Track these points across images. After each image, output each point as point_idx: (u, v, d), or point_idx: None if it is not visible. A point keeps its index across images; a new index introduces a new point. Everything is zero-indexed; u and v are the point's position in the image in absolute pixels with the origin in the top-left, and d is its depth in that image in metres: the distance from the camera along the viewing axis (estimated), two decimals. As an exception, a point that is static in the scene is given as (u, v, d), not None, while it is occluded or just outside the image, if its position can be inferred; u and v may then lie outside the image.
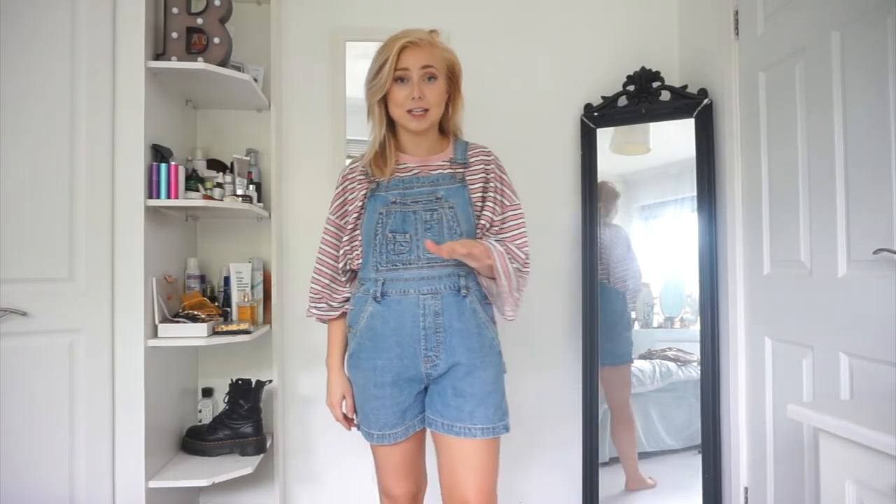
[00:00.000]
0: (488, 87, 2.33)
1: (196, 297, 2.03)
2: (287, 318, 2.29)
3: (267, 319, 2.21)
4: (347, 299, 1.51)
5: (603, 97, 2.33)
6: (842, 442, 1.01)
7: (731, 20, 2.02)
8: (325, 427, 2.31)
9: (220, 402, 2.18)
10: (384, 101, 1.42)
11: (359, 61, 2.35)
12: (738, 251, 2.00)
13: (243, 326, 1.95)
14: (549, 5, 2.43)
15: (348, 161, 1.50)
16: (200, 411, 2.21)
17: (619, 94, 2.30)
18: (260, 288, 2.19)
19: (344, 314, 1.52)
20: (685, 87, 2.20)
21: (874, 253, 1.39)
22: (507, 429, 1.40)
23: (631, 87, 2.27)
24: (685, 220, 2.20)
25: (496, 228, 1.47)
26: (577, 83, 2.41)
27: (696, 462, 2.11)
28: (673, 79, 2.34)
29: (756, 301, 1.93)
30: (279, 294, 2.20)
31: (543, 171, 2.38)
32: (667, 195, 2.27)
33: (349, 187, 1.49)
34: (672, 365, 2.26)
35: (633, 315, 2.30)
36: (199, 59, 1.86)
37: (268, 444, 2.11)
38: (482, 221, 1.45)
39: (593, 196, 2.30)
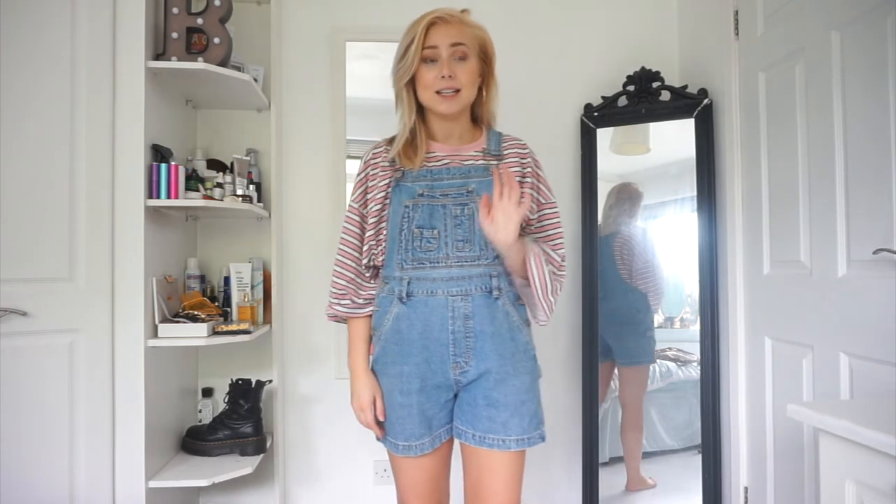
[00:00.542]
0: (488, 87, 2.33)
1: (196, 297, 2.03)
2: (287, 318, 2.29)
3: (267, 319, 2.21)
4: (373, 297, 1.38)
5: (603, 97, 2.33)
6: (842, 442, 1.01)
7: (731, 20, 2.02)
8: (325, 427, 2.32)
9: (220, 402, 2.18)
10: (412, 85, 1.31)
11: (359, 61, 2.35)
12: (738, 251, 2.00)
13: (243, 326, 1.95)
14: (548, 5, 2.43)
15: (372, 146, 1.40)
16: (200, 411, 2.21)
17: (619, 94, 2.30)
18: (260, 288, 2.19)
19: (370, 314, 1.39)
20: (685, 87, 2.20)
21: (874, 253, 1.39)
22: (542, 438, 1.30)
23: (631, 87, 2.27)
24: (685, 220, 2.20)
25: (532, 228, 1.37)
26: (577, 83, 2.41)
27: (696, 462, 2.11)
28: (673, 79, 2.34)
29: (756, 301, 1.93)
30: (279, 294, 2.20)
31: (543, 170, 2.37)
32: (667, 195, 2.27)
33: (371, 174, 1.36)
34: (672, 365, 2.27)
35: (656, 315, 2.28)
36: (200, 59, 1.86)
37: (268, 444, 2.11)
38: None
39: (593, 196, 2.30)
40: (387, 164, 1.34)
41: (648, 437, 2.26)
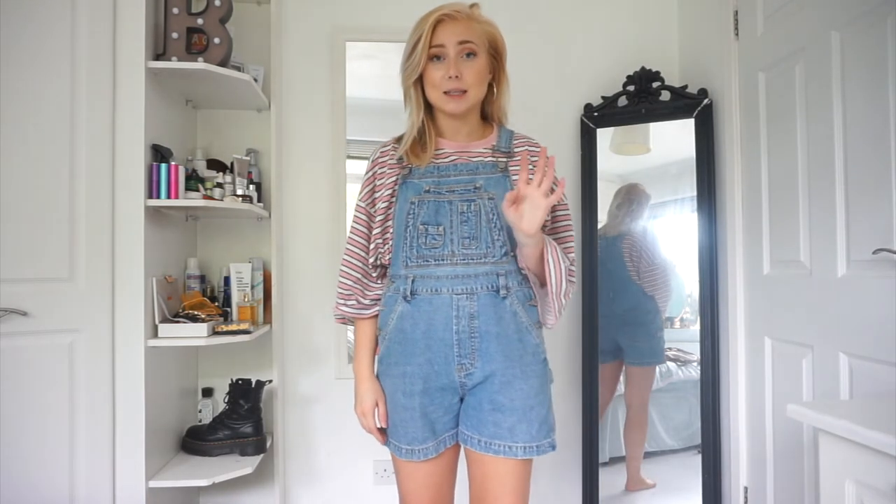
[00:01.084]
0: (488, 87, 2.33)
1: (196, 297, 2.03)
2: (287, 318, 2.29)
3: (267, 319, 2.21)
4: (380, 298, 1.36)
5: (603, 97, 2.33)
6: (841, 442, 1.01)
7: (731, 20, 2.02)
8: (325, 427, 2.32)
9: (220, 402, 2.18)
10: (421, 83, 1.29)
11: (359, 61, 2.35)
12: (738, 251, 2.00)
13: (243, 326, 1.95)
14: (549, 5, 2.43)
15: (379, 145, 1.40)
16: (200, 411, 2.21)
17: (619, 94, 2.30)
18: (260, 288, 2.19)
19: (376, 315, 1.37)
20: (685, 87, 2.20)
21: (874, 253, 1.39)
22: (552, 446, 1.26)
23: (631, 87, 2.27)
24: (685, 220, 2.20)
25: (545, 229, 1.30)
26: (577, 83, 2.41)
27: (696, 462, 2.11)
28: (673, 79, 2.34)
29: (756, 301, 1.93)
30: (279, 294, 2.20)
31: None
32: (666, 195, 2.27)
33: (379, 172, 1.34)
34: (672, 365, 2.27)
35: (665, 316, 2.28)
36: (200, 59, 1.86)
37: (268, 444, 2.11)
38: None
39: (593, 196, 2.30)
40: (394, 162, 1.33)
41: (648, 437, 2.26)
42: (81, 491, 1.70)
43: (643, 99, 2.25)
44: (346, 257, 1.38)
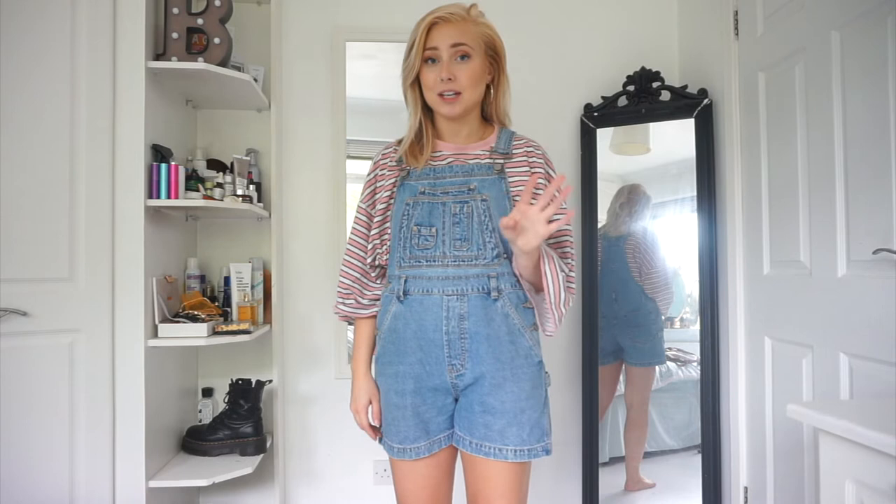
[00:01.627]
0: (488, 87, 2.33)
1: (196, 297, 2.03)
2: (287, 318, 2.29)
3: (267, 319, 2.21)
4: (379, 297, 1.38)
5: (603, 97, 2.33)
6: (842, 442, 1.01)
7: (731, 20, 2.02)
8: (325, 427, 2.32)
9: (220, 402, 2.18)
10: (418, 85, 1.30)
11: (359, 61, 2.35)
12: (738, 251, 2.00)
13: (243, 326, 1.95)
14: (548, 5, 2.43)
15: (382, 147, 1.41)
16: (200, 411, 2.21)
17: (619, 94, 2.30)
18: (260, 288, 2.19)
19: (374, 314, 1.39)
20: (685, 87, 2.20)
21: (874, 253, 1.39)
22: (546, 451, 1.25)
23: (631, 87, 2.27)
24: (685, 220, 2.20)
25: None
26: (576, 83, 2.41)
27: (696, 462, 2.11)
28: (673, 79, 2.34)
29: (756, 301, 1.93)
30: (279, 294, 2.20)
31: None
32: (666, 195, 2.27)
33: (380, 174, 1.36)
34: (672, 365, 2.27)
35: (665, 317, 2.28)
36: (200, 59, 1.86)
37: (268, 443, 2.11)
38: None
39: (593, 196, 2.30)
40: (394, 164, 1.34)
41: (649, 436, 2.26)
42: (81, 491, 1.70)
43: (643, 99, 2.25)
44: (346, 257, 1.40)
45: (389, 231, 1.34)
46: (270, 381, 2.14)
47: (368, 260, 1.37)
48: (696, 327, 2.12)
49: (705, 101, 2.13)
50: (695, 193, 2.14)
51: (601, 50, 2.42)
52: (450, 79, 1.23)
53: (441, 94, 1.25)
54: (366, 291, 1.39)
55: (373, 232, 1.36)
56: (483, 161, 1.30)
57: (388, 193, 1.33)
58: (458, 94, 1.25)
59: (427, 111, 1.33)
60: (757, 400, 1.91)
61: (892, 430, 0.91)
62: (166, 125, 1.98)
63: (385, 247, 1.35)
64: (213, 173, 2.09)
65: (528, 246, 1.12)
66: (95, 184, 1.73)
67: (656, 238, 2.28)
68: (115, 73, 1.76)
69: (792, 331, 1.74)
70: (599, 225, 2.30)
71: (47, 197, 1.67)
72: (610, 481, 2.25)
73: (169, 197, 1.82)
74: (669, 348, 2.27)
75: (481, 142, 1.34)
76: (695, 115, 2.14)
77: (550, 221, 1.10)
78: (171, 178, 1.83)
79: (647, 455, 2.26)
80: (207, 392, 2.24)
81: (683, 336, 2.27)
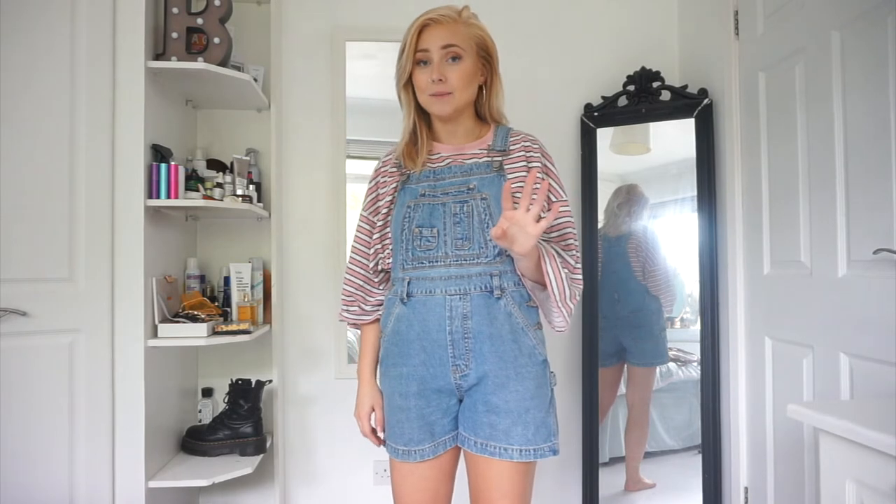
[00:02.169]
0: (488, 87, 2.33)
1: (196, 297, 2.03)
2: (287, 318, 2.29)
3: (267, 319, 2.21)
4: (382, 302, 1.39)
5: (603, 97, 2.33)
6: (842, 442, 1.01)
7: (731, 20, 2.02)
8: (325, 427, 2.32)
9: (220, 402, 2.18)
10: (412, 87, 1.30)
11: (359, 61, 2.35)
12: (738, 251, 2.00)
13: (243, 326, 1.95)
14: (548, 5, 2.43)
15: (383, 154, 1.42)
16: (200, 411, 2.21)
17: (619, 94, 2.30)
18: (260, 288, 2.19)
19: (378, 319, 1.40)
20: (685, 87, 2.20)
21: (874, 253, 1.39)
22: (554, 451, 1.25)
23: (631, 87, 2.27)
24: (685, 220, 2.20)
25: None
26: (577, 83, 2.41)
27: (696, 462, 2.11)
28: (673, 79, 2.34)
29: (756, 301, 1.93)
30: (279, 294, 2.20)
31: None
32: (667, 195, 2.27)
33: (381, 181, 1.37)
34: (672, 365, 2.27)
35: (667, 316, 2.28)
36: (199, 59, 1.86)
37: (268, 444, 2.11)
38: None
39: (593, 196, 2.30)
40: (394, 169, 1.35)
41: (649, 437, 2.25)
42: (81, 490, 1.70)
43: (643, 99, 2.25)
44: (349, 265, 1.41)
45: (390, 236, 1.34)
46: (270, 382, 2.14)
47: (371, 265, 1.38)
48: (697, 327, 2.12)
49: (705, 101, 2.13)
50: (695, 193, 2.14)
51: (601, 50, 2.42)
52: (440, 80, 1.24)
53: (432, 95, 1.26)
54: (369, 298, 1.40)
55: (375, 236, 1.36)
56: (481, 160, 1.30)
57: (390, 198, 1.34)
58: (449, 94, 1.26)
59: (421, 113, 1.33)
60: (757, 400, 1.91)
61: (892, 430, 0.91)
62: (166, 125, 1.98)
63: (387, 251, 1.35)
64: (212, 173, 2.09)
65: (522, 249, 1.12)
66: (95, 184, 1.73)
67: (655, 237, 2.28)
68: (115, 72, 1.76)
69: (792, 331, 1.74)
70: (599, 225, 2.30)
71: (47, 197, 1.67)
72: (610, 481, 2.25)
73: (169, 197, 1.82)
74: (670, 348, 2.27)
75: (478, 140, 1.34)
76: (695, 114, 2.14)
77: (540, 220, 1.10)
78: (170, 178, 1.83)
79: (648, 455, 2.26)
80: (207, 392, 2.24)
81: (683, 336, 2.27)
